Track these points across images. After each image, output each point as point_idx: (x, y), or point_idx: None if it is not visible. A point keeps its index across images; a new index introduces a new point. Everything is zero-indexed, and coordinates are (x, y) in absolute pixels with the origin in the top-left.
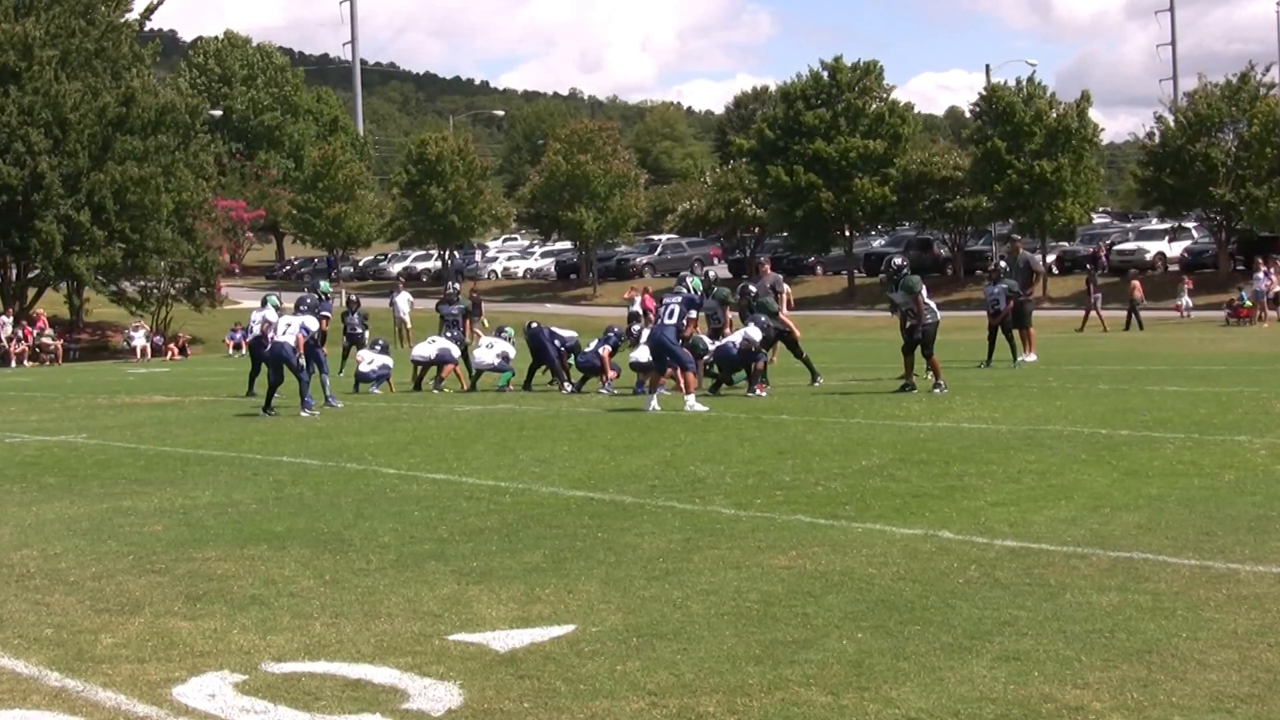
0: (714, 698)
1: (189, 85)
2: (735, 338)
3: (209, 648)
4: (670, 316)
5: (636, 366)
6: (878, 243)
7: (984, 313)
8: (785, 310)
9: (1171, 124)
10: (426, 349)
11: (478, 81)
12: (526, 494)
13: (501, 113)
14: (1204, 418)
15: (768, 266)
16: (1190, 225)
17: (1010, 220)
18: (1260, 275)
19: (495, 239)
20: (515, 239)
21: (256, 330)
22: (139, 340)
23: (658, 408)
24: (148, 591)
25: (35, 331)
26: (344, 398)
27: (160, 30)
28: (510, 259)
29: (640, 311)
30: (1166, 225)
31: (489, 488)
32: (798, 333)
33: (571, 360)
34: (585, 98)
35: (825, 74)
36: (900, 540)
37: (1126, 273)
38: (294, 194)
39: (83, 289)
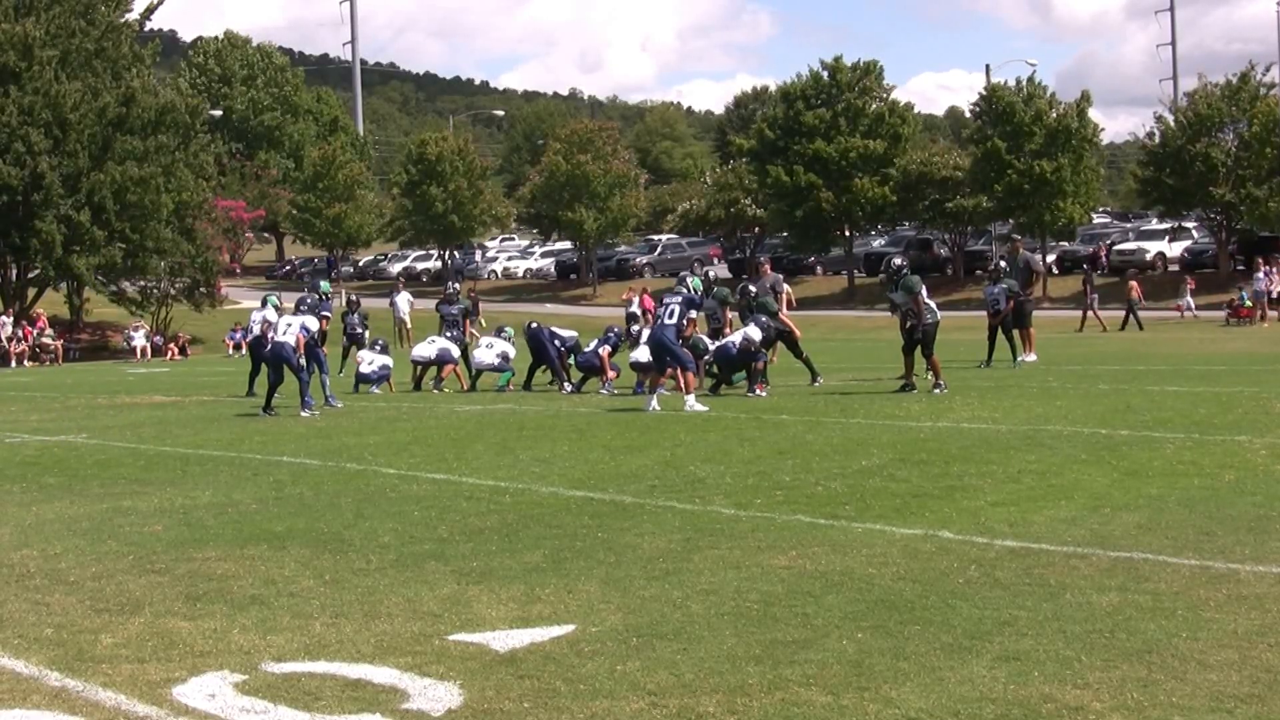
0: (714, 698)
1: (189, 85)
2: (735, 338)
3: (209, 648)
4: (670, 316)
5: (636, 366)
6: (878, 243)
7: (984, 313)
8: (785, 310)
9: (1171, 124)
10: (426, 349)
11: (478, 81)
12: (526, 494)
13: (501, 113)
14: (1204, 418)
15: (768, 266)
16: (1190, 225)
17: (1010, 220)
18: (1260, 275)
19: (493, 239)
20: (512, 239)
21: (256, 330)
22: (139, 340)
23: (658, 408)
24: (148, 591)
25: (35, 331)
26: (344, 398)
27: (160, 30)
28: (510, 259)
29: (638, 312)
30: (1166, 225)
31: (489, 488)
32: (798, 333)
33: (571, 360)
34: (585, 98)
35: (825, 74)
36: (900, 540)
37: (1125, 273)
38: (294, 194)
39: (83, 289)
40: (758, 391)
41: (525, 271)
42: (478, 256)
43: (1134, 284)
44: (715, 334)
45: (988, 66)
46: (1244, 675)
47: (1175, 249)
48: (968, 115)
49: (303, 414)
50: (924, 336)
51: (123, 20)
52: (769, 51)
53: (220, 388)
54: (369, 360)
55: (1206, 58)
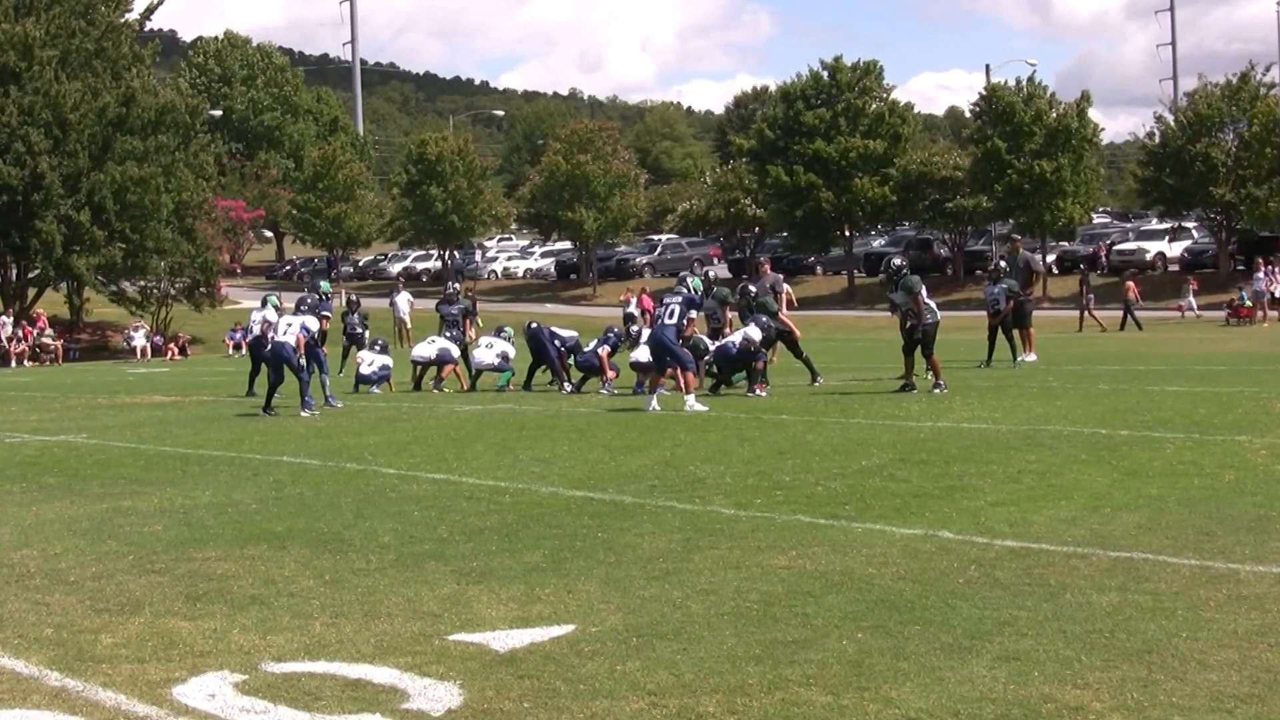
0: (714, 698)
1: (189, 85)
2: (735, 338)
3: (209, 648)
4: (670, 316)
5: (636, 366)
6: (878, 243)
7: (984, 313)
8: (785, 310)
9: (1172, 124)
10: (426, 349)
11: (478, 81)
12: (526, 494)
13: (501, 113)
14: (1204, 418)
15: (768, 266)
16: (1190, 225)
17: (1010, 220)
18: (1260, 275)
19: (491, 239)
20: (510, 239)
21: (256, 330)
22: (139, 340)
23: (658, 408)
24: (148, 591)
25: (35, 331)
26: (344, 398)
27: (160, 30)
28: (510, 259)
29: (635, 313)
30: (1166, 225)
31: (489, 488)
32: (798, 333)
33: (571, 360)
34: (585, 98)
35: (825, 74)
36: (900, 540)
37: (1123, 273)
38: (294, 194)
39: (83, 289)
40: (758, 391)
41: (525, 271)
42: (478, 256)
43: (1131, 284)
44: (715, 334)
45: (988, 66)
46: (1244, 675)
47: (1175, 249)
48: (968, 115)
49: (303, 414)
50: (924, 336)
51: (123, 20)
52: (769, 51)
53: (220, 388)
54: (369, 361)
55: (1206, 58)
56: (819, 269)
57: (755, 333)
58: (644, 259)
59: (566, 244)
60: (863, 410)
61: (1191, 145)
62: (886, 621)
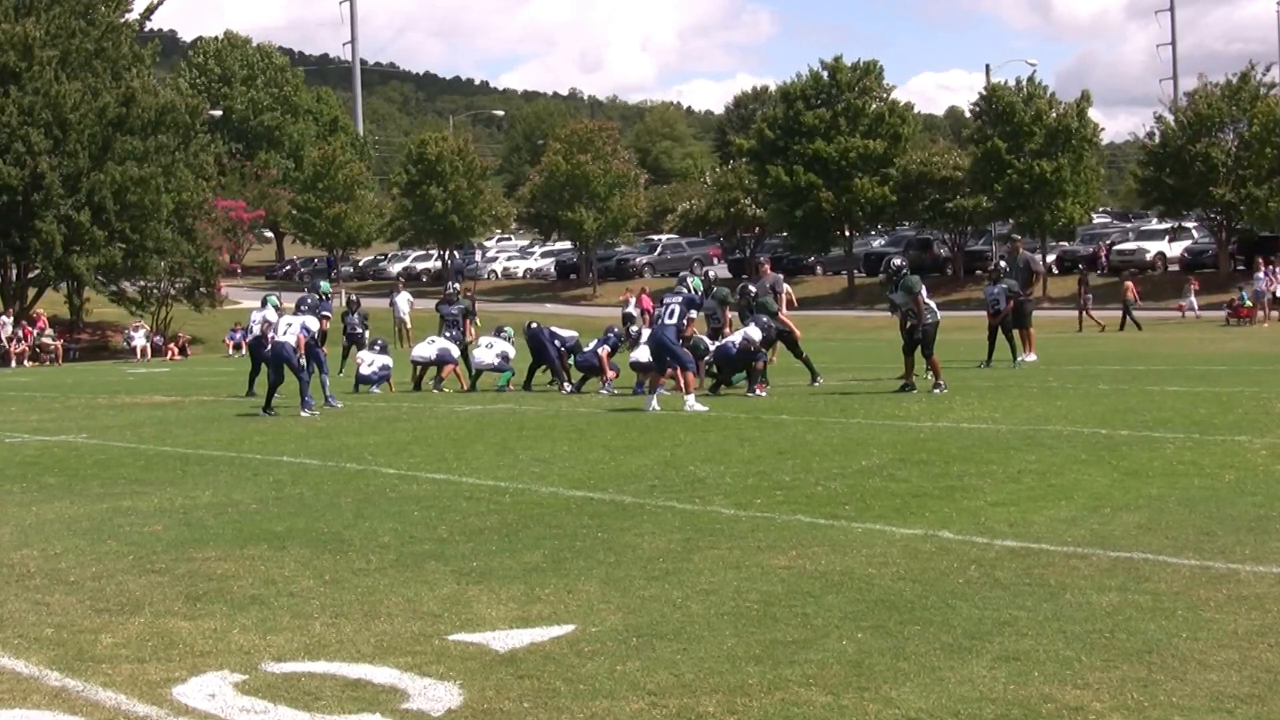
0: (714, 698)
1: (189, 85)
2: (735, 338)
3: (209, 648)
4: (670, 316)
5: (636, 366)
6: (878, 243)
7: (984, 313)
8: (786, 310)
9: (1172, 124)
10: (426, 349)
11: (478, 81)
12: (526, 494)
13: (501, 113)
14: (1204, 418)
15: (768, 266)
16: (1190, 225)
17: (1010, 220)
18: (1260, 275)
19: (489, 239)
20: (508, 239)
21: (256, 330)
22: (139, 340)
23: (658, 408)
24: (148, 591)
25: (35, 331)
26: (344, 398)
27: (160, 30)
28: (510, 259)
29: (634, 313)
30: (1166, 225)
31: (489, 488)
32: (798, 332)
33: (571, 360)
34: (585, 98)
35: (825, 74)
36: (900, 540)
37: (1122, 273)
38: (294, 194)
39: (83, 289)
40: (758, 391)
41: (525, 271)
42: (477, 256)
43: (1129, 284)
44: (715, 334)
45: (988, 66)
46: (1244, 675)
47: (1175, 249)
48: (968, 115)
49: (303, 414)
50: (924, 336)
51: (123, 20)
52: (769, 51)
53: (220, 388)
54: (369, 361)
55: (1206, 58)
56: (819, 269)
57: (755, 333)
58: (644, 259)
59: (566, 244)
60: (863, 410)
61: (1191, 145)
62: (886, 621)
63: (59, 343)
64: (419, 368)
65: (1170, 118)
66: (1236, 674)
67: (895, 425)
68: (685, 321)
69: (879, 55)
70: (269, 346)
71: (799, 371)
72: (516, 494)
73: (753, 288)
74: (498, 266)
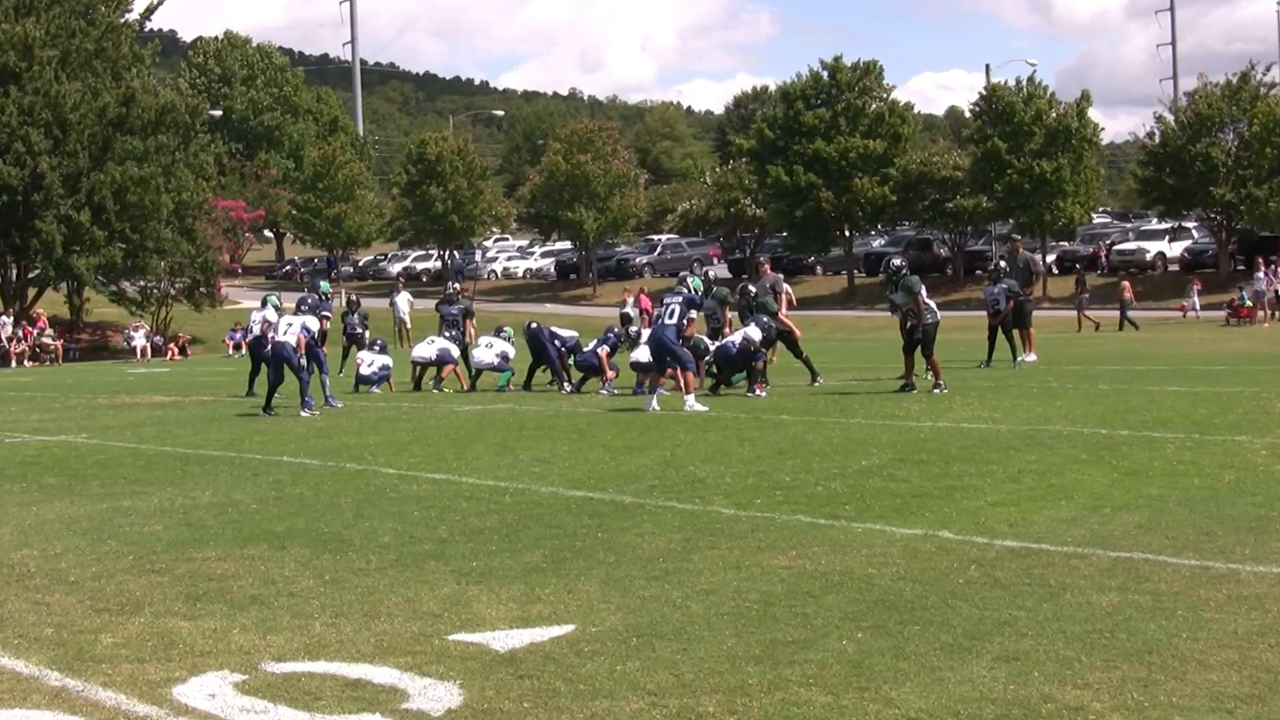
0: (714, 698)
1: (189, 85)
2: (735, 338)
3: (209, 648)
4: (670, 316)
5: (636, 366)
6: (878, 243)
7: (984, 313)
8: (786, 310)
9: (1172, 124)
10: (426, 349)
11: (478, 81)
12: (526, 494)
13: (501, 113)
14: (1204, 418)
15: (768, 266)
16: (1190, 225)
17: (1010, 220)
18: (1261, 275)
19: (488, 239)
20: (507, 239)
21: (256, 330)
22: (139, 340)
23: (658, 408)
24: (148, 591)
25: (35, 331)
26: (344, 398)
27: (160, 30)
28: (510, 259)
29: (632, 312)
30: (1166, 225)
31: (489, 488)
32: (798, 332)
33: (571, 360)
34: (585, 98)
35: (825, 74)
36: (900, 540)
37: (1119, 273)
38: (294, 194)
39: (83, 289)
40: (758, 391)
41: (525, 271)
42: (477, 256)
43: (1126, 284)
44: (715, 334)
45: (988, 66)
46: (1244, 675)
47: (1175, 249)
48: (968, 115)
49: (303, 414)
50: (924, 336)
51: (123, 20)
52: (769, 51)
53: (220, 388)
54: (369, 361)
55: (1206, 58)
56: (819, 269)
57: (755, 333)
58: (644, 259)
59: (566, 244)
60: (863, 410)
61: (1191, 145)
62: (886, 621)
63: (59, 343)
64: (419, 368)
65: (1170, 118)
66: (1236, 674)
67: (895, 425)
68: (685, 321)
69: (879, 55)
70: (269, 346)
71: (799, 371)
72: (516, 494)
73: (753, 288)
74: (497, 266)
